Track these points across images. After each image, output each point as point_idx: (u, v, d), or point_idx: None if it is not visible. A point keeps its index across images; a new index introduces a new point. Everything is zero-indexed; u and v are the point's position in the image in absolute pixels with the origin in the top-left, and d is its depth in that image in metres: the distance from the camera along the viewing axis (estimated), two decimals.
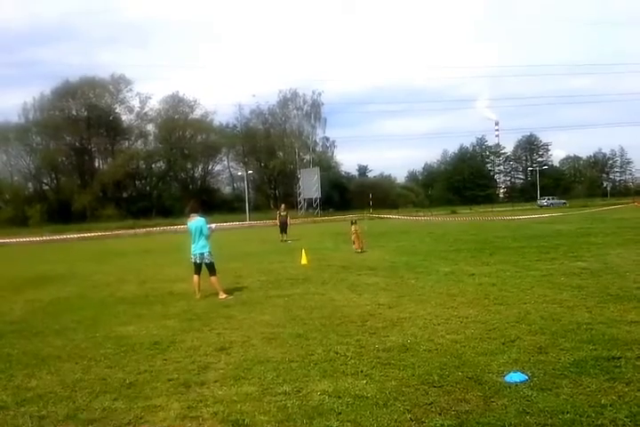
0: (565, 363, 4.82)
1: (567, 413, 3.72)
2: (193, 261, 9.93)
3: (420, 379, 4.62)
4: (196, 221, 9.82)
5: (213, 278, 9.78)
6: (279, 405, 4.23)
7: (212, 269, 9.84)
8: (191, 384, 4.84)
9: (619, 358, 4.87)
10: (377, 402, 4.15)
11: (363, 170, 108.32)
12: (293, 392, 4.49)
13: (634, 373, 4.47)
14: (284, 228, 24.94)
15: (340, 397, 4.31)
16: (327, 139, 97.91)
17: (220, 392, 4.59)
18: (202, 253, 9.79)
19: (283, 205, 27.22)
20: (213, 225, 10.29)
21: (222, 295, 9.55)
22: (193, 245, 9.89)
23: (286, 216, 25.52)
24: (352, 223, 17.99)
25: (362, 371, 4.93)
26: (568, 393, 4.10)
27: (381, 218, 41.00)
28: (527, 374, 4.52)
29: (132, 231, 42.17)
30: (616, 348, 5.17)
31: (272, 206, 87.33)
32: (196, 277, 9.87)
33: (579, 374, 4.51)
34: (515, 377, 4.45)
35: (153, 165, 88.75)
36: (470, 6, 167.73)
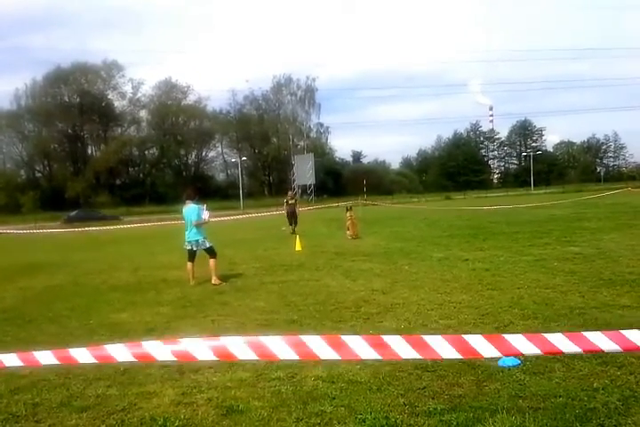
0: None
1: (560, 396, 3.74)
2: (188, 248, 9.87)
3: (414, 364, 4.62)
4: (190, 208, 9.78)
5: (212, 261, 9.73)
6: (273, 390, 4.23)
7: (211, 252, 9.80)
8: (185, 371, 4.83)
9: None
10: (371, 387, 4.16)
11: (357, 156, 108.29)
12: (287, 378, 4.49)
13: (626, 357, 4.49)
14: (292, 217, 21.62)
15: (333, 382, 4.32)
16: (321, 125, 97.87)
17: (214, 378, 4.59)
18: (197, 240, 9.74)
19: (290, 192, 23.98)
20: (207, 214, 10.09)
21: (216, 281, 9.52)
22: (187, 232, 9.84)
23: (295, 204, 22.08)
24: (347, 210, 18.00)
25: None
26: (560, 377, 4.12)
27: (375, 205, 41.02)
28: (520, 359, 4.54)
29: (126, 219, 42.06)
30: None
31: (266, 193, 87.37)
32: (189, 264, 9.84)
33: (571, 358, 4.52)
34: (507, 362, 4.46)
35: (146, 152, 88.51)
36: None
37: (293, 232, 20.38)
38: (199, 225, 9.75)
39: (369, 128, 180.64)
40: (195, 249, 9.79)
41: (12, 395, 4.47)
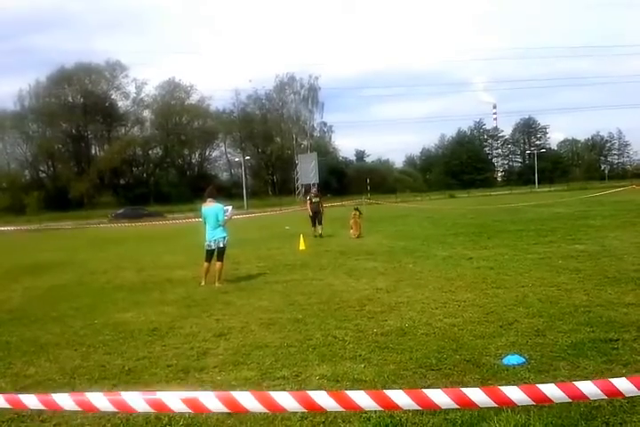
0: (563, 345, 4.83)
1: None
2: (210, 247, 9.70)
3: (418, 362, 4.63)
4: (213, 207, 9.71)
5: (219, 264, 9.66)
6: (278, 389, 4.23)
7: (222, 254, 9.71)
8: (190, 370, 4.85)
9: (616, 340, 4.88)
10: (375, 386, 4.16)
11: (360, 155, 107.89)
12: (292, 377, 4.50)
13: (631, 354, 4.48)
14: (316, 218, 18.76)
15: (338, 381, 4.32)
16: (325, 124, 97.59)
17: (218, 378, 4.60)
18: (223, 237, 9.61)
19: (314, 189, 20.52)
20: (230, 208, 10.02)
21: (219, 284, 9.47)
22: (210, 231, 9.67)
23: (319, 203, 19.04)
24: (355, 209, 18.08)
25: (360, 355, 4.94)
26: (566, 375, 4.11)
27: (378, 203, 40.99)
28: (525, 357, 4.53)
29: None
30: (613, 330, 5.18)
31: (270, 192, 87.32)
32: (206, 264, 9.71)
33: (576, 356, 4.53)
34: (512, 360, 4.46)
35: (150, 152, 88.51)
36: None
37: (319, 235, 18.36)
38: (225, 222, 9.71)
39: (372, 127, 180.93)
40: (214, 248, 9.65)
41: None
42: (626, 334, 5.05)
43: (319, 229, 18.62)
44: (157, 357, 5.33)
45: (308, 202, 19.30)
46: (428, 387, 4.05)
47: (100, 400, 1.92)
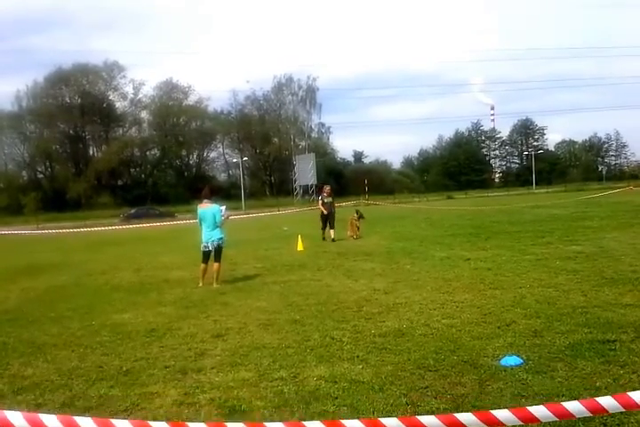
0: (561, 346, 4.83)
1: (562, 396, 3.73)
2: (206, 249, 9.69)
3: (416, 363, 4.63)
4: (210, 208, 9.67)
5: (217, 265, 9.64)
6: (276, 390, 4.23)
7: (219, 255, 9.69)
8: (188, 371, 4.84)
9: (614, 341, 4.89)
10: (373, 387, 4.16)
11: (358, 156, 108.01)
12: (290, 378, 4.49)
13: (629, 355, 4.49)
14: (329, 219, 17.11)
15: (336, 382, 4.32)
16: (322, 125, 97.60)
17: (216, 379, 4.60)
18: (220, 238, 9.59)
19: (327, 188, 18.04)
20: (224, 208, 9.91)
21: (217, 285, 9.45)
22: (207, 232, 9.64)
23: (332, 203, 17.54)
24: (356, 212, 18.14)
25: (358, 356, 4.94)
26: (563, 376, 4.12)
27: (376, 204, 41.00)
28: (522, 358, 4.53)
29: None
30: (611, 331, 5.18)
31: (268, 193, 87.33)
32: (203, 265, 9.69)
33: (574, 357, 4.53)
34: (510, 361, 4.47)
35: (147, 153, 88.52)
36: None
37: (332, 239, 16.73)
38: (222, 223, 9.68)
39: (370, 128, 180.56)
40: (210, 250, 9.64)
41: (14, 396, 4.47)
42: (623, 335, 5.05)
43: (332, 233, 16.88)
44: (155, 358, 5.32)
45: (320, 202, 17.69)
46: (426, 388, 4.06)
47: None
